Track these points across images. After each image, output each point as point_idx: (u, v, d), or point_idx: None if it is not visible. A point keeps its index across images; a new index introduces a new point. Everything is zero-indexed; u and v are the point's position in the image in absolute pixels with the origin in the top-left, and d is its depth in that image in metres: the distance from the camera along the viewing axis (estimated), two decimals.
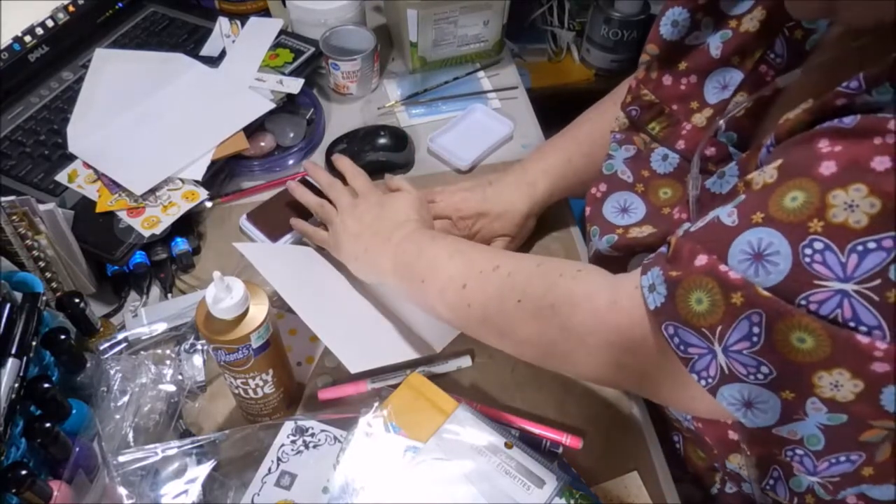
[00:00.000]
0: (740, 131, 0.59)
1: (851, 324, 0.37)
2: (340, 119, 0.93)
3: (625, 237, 0.64)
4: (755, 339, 0.40)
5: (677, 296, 0.43)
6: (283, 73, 0.89)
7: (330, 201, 0.74)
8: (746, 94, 0.58)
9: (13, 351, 0.52)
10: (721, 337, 0.42)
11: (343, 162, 0.79)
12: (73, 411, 0.57)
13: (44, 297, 0.58)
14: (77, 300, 0.63)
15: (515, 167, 0.77)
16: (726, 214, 0.42)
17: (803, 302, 0.38)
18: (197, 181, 0.78)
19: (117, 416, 0.59)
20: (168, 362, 0.65)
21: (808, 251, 0.38)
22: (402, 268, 0.64)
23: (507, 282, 0.56)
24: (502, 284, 0.56)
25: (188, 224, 0.77)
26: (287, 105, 0.88)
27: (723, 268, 0.41)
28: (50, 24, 0.88)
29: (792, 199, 0.39)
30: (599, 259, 0.67)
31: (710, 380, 0.44)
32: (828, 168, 0.37)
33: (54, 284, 0.68)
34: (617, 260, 0.65)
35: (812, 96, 0.43)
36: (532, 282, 0.55)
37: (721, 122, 0.58)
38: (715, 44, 0.60)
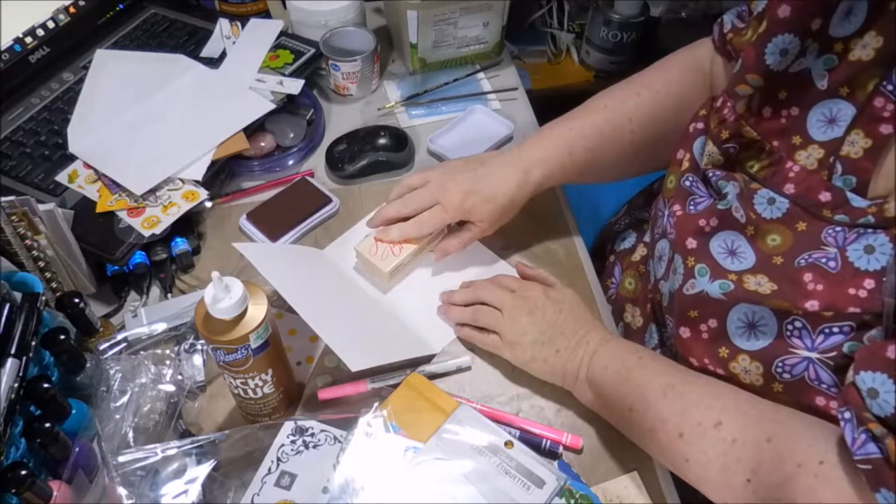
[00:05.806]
0: (859, 174, 0.52)
1: None
2: (340, 119, 0.93)
3: (741, 286, 0.56)
4: None
5: None
6: (284, 74, 0.89)
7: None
8: (863, 133, 0.51)
9: (13, 351, 0.52)
10: None
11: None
12: (73, 411, 0.57)
13: (44, 297, 0.58)
14: (77, 300, 0.63)
15: (513, 149, 0.74)
16: None
17: None
18: (197, 181, 0.78)
19: (117, 416, 0.59)
20: (168, 362, 0.65)
21: None
22: (601, 387, 0.61)
23: (731, 450, 0.51)
24: (726, 452, 0.51)
25: (188, 224, 0.77)
26: (287, 105, 0.88)
27: None
28: (51, 25, 0.89)
29: None
30: (693, 297, 0.59)
31: None
32: None
33: (54, 284, 0.68)
34: (716, 303, 0.57)
35: None
36: (764, 463, 0.49)
37: (837, 164, 0.51)
38: (819, 72, 0.53)
